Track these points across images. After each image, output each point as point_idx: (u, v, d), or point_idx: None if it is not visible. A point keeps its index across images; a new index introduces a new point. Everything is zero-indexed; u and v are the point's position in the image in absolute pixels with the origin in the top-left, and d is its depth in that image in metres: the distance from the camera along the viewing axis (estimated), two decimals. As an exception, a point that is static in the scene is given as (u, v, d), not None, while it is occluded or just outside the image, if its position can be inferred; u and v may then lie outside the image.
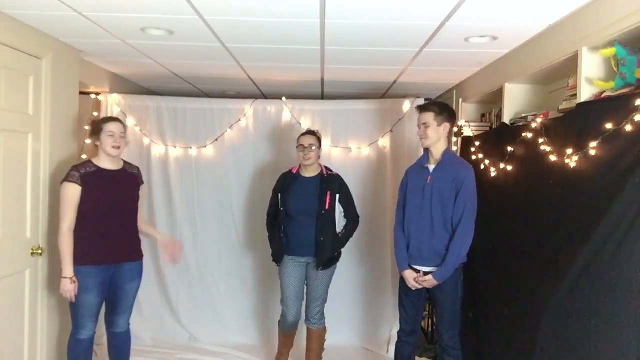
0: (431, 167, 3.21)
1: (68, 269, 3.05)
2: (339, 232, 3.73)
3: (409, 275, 3.20)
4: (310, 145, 3.68)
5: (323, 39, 3.22)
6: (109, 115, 4.39)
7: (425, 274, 3.15)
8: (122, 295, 3.28)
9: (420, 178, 3.22)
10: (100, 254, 3.12)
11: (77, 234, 3.10)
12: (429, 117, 3.17)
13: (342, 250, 3.80)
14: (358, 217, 3.81)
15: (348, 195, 3.78)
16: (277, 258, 3.75)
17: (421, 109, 3.24)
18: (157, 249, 4.63)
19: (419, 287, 3.19)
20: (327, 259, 3.65)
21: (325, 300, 3.78)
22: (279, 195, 3.78)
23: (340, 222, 3.73)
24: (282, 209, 3.71)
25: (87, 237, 3.11)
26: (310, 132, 3.79)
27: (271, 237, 3.84)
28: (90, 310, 3.14)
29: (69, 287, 3.04)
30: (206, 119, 4.70)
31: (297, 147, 3.74)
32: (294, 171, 3.81)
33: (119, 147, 3.17)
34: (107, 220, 3.14)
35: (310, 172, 3.76)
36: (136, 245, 3.35)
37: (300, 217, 3.66)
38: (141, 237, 3.42)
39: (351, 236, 3.80)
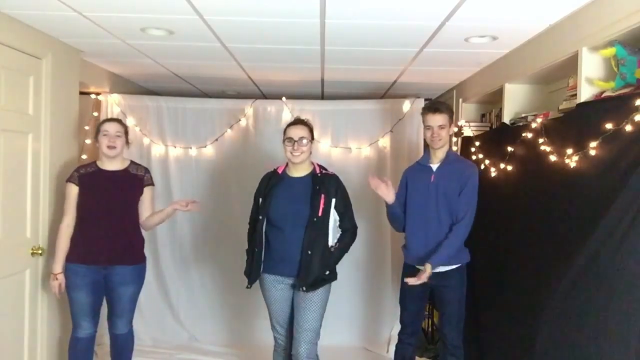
0: (434, 166, 3.20)
1: (55, 265, 3.14)
2: (332, 246, 3.03)
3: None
4: (301, 139, 3.00)
5: (323, 39, 3.22)
6: (108, 115, 4.40)
7: (437, 275, 3.12)
8: (116, 298, 3.25)
9: (422, 177, 3.21)
10: (90, 253, 3.13)
11: (73, 233, 3.17)
12: (445, 118, 3.14)
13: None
14: (356, 227, 3.13)
15: (346, 201, 3.11)
16: (251, 277, 3.09)
17: (435, 110, 3.15)
18: (158, 249, 4.65)
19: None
20: (314, 278, 2.95)
21: (317, 334, 3.03)
22: (260, 200, 3.11)
23: (334, 233, 3.06)
24: (260, 217, 3.03)
25: (80, 236, 3.15)
26: (299, 122, 3.12)
27: (247, 251, 3.22)
28: (82, 309, 3.14)
29: (52, 283, 3.13)
30: (206, 119, 4.70)
31: (283, 140, 3.07)
32: (280, 171, 3.15)
33: (114, 147, 3.16)
34: (100, 221, 3.14)
35: (299, 171, 3.09)
36: (132, 249, 3.26)
37: (287, 226, 2.98)
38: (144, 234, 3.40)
39: (347, 251, 3.11)
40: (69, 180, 3.18)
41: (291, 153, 3.02)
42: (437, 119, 3.13)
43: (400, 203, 3.26)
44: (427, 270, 3.02)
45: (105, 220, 3.15)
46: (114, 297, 3.25)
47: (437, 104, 3.24)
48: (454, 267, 3.14)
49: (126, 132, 3.27)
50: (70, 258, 3.14)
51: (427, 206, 3.15)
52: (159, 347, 4.49)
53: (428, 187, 3.16)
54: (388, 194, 3.17)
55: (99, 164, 3.23)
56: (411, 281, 3.05)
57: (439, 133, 3.13)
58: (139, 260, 3.31)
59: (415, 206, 3.21)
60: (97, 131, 3.23)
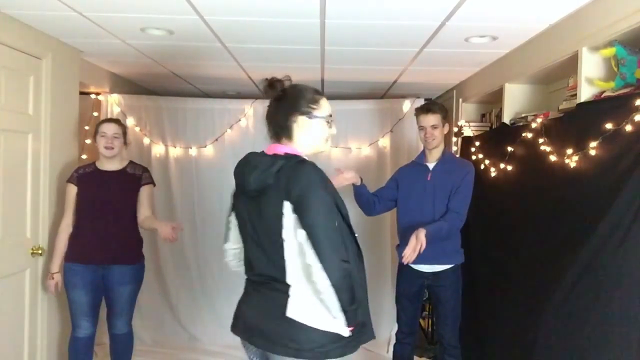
0: (430, 164, 3.21)
1: (52, 264, 3.17)
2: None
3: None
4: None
5: (323, 39, 3.22)
6: (108, 115, 4.40)
7: (432, 275, 3.14)
8: (114, 297, 3.26)
9: (418, 176, 3.22)
10: (88, 253, 3.14)
11: (72, 232, 3.19)
12: (438, 118, 3.17)
13: None
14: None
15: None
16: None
17: (427, 110, 3.19)
18: (158, 249, 4.65)
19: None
20: None
21: None
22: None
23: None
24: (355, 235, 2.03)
25: (78, 236, 3.18)
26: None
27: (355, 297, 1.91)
28: (81, 308, 3.15)
29: (48, 282, 3.16)
30: (206, 119, 4.71)
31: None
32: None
33: (111, 148, 3.18)
34: (98, 221, 3.15)
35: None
36: (129, 249, 3.27)
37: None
38: (142, 235, 3.39)
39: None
40: (68, 180, 3.22)
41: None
42: (430, 119, 3.16)
43: (387, 188, 3.34)
44: (420, 236, 2.85)
45: (102, 220, 3.16)
46: (112, 296, 3.26)
47: (430, 104, 3.30)
48: (448, 267, 3.15)
49: (124, 133, 3.28)
50: (68, 257, 3.17)
51: (423, 204, 3.16)
52: (159, 347, 4.49)
53: (424, 185, 3.17)
54: (351, 179, 3.21)
55: (97, 164, 3.26)
56: (407, 255, 2.87)
57: (432, 133, 3.16)
58: (137, 259, 3.31)
59: (411, 205, 3.22)
60: (95, 131, 3.25)
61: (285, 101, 1.96)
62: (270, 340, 1.81)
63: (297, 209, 1.77)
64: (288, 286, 1.81)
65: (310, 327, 1.78)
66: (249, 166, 1.85)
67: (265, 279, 1.89)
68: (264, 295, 1.88)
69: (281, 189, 1.79)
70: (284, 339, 1.79)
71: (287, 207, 1.78)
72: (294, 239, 1.79)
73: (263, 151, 1.95)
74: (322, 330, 1.80)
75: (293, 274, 1.81)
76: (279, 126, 1.94)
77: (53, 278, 3.16)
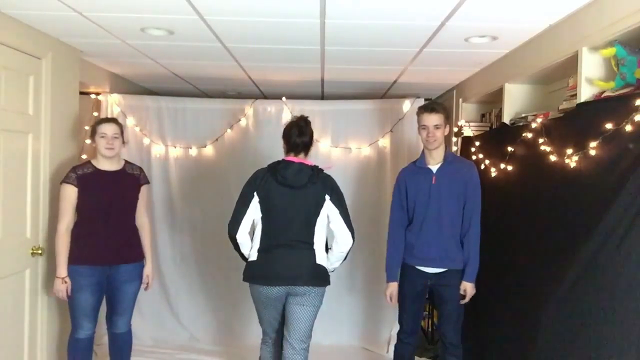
0: (433, 167, 3.19)
1: (61, 268, 3.09)
2: None
3: (394, 287, 3.24)
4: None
5: (323, 39, 3.22)
6: (109, 115, 4.40)
7: (436, 275, 3.15)
8: (120, 297, 3.28)
9: (423, 179, 3.19)
10: (95, 254, 3.13)
11: (74, 234, 3.14)
12: (441, 119, 3.13)
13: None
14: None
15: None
16: None
17: (431, 109, 3.14)
18: (158, 249, 4.64)
19: (393, 303, 3.31)
20: None
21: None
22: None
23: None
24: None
25: (83, 238, 3.13)
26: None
27: None
28: (86, 310, 3.14)
29: (60, 287, 3.09)
30: (206, 119, 4.71)
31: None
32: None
33: (112, 149, 3.17)
34: (103, 221, 3.15)
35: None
36: (134, 247, 3.32)
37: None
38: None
39: None
40: (65, 181, 3.12)
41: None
42: (433, 119, 3.12)
43: (403, 207, 3.26)
44: (469, 290, 3.14)
45: (109, 220, 3.16)
46: (117, 295, 3.27)
47: (433, 104, 3.26)
48: (452, 267, 3.14)
49: (122, 132, 3.28)
50: (74, 260, 3.11)
51: (429, 208, 3.15)
52: (159, 347, 4.48)
53: (430, 188, 3.15)
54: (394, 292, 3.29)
55: (94, 163, 3.22)
56: (387, 299, 3.31)
57: (435, 133, 3.12)
58: (140, 257, 3.36)
59: (417, 208, 3.20)
60: (93, 131, 3.23)
61: (311, 130, 3.10)
62: (310, 278, 2.93)
63: (333, 198, 2.97)
64: (313, 245, 2.96)
65: (325, 267, 3.01)
66: (301, 172, 2.95)
67: (298, 242, 2.94)
68: (299, 252, 2.94)
69: (324, 186, 2.97)
70: (317, 276, 2.96)
71: (327, 197, 2.96)
72: (325, 217, 2.98)
73: (293, 161, 3.00)
74: (327, 268, 3.04)
75: (318, 238, 2.98)
76: (305, 146, 3.04)
77: (65, 282, 3.08)
